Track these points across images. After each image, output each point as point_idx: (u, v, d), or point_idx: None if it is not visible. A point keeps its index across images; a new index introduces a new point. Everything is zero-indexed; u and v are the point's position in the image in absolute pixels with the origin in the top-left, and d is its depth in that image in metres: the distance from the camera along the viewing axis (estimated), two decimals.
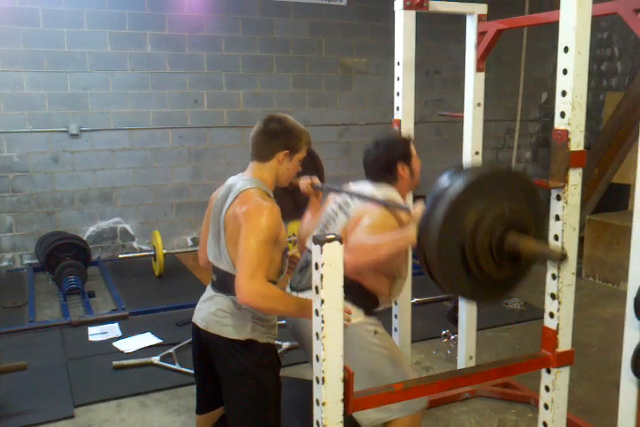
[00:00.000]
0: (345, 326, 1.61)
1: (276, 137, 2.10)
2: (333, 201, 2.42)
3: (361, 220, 2.22)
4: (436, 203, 1.58)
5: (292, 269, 2.41)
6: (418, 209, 1.91)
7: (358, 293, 2.22)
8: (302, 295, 2.28)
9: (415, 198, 2.69)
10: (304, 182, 2.49)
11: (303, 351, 2.46)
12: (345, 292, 1.58)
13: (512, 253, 1.62)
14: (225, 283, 2.06)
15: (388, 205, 2.22)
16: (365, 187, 2.38)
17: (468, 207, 1.59)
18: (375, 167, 2.39)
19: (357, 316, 2.24)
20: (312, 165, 2.69)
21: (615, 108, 6.43)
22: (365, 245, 2.09)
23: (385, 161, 2.36)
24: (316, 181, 2.50)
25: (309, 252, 2.33)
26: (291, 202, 2.51)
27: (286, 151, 2.10)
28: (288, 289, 2.40)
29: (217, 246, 2.12)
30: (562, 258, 1.65)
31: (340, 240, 1.53)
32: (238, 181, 2.11)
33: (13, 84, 5.50)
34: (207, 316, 2.14)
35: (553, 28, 1.85)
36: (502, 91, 7.22)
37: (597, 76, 7.98)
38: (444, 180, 1.64)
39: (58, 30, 5.56)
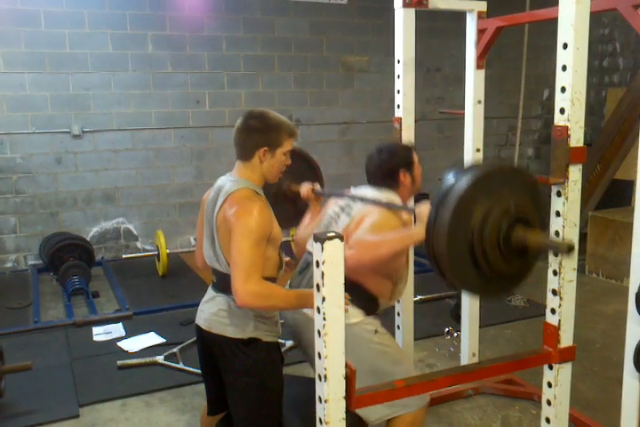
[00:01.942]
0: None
1: (253, 134, 2.05)
2: (335, 203, 2.44)
3: (363, 220, 2.24)
4: (442, 201, 1.61)
5: (288, 271, 2.41)
6: (424, 208, 1.93)
7: (359, 294, 2.22)
8: None
9: (418, 197, 2.71)
10: (305, 189, 2.52)
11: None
12: (346, 292, 1.58)
13: (519, 246, 1.65)
14: (224, 284, 2.05)
15: (390, 206, 2.24)
16: (367, 191, 2.41)
17: (474, 204, 1.62)
18: (377, 174, 2.42)
19: (357, 316, 2.25)
20: (311, 172, 2.73)
21: (617, 105, 6.40)
22: (369, 242, 2.10)
23: (387, 168, 2.39)
24: (317, 187, 2.53)
25: (309, 253, 2.34)
26: (292, 209, 2.52)
27: (265, 148, 2.05)
28: None
29: (212, 249, 2.12)
30: (569, 249, 1.65)
31: (341, 238, 1.54)
32: (226, 183, 2.10)
33: (15, 86, 5.52)
34: (209, 316, 2.15)
35: (555, 24, 1.84)
36: (504, 88, 7.22)
37: (599, 72, 7.96)
38: (449, 178, 1.65)
39: (59, 31, 5.57)
